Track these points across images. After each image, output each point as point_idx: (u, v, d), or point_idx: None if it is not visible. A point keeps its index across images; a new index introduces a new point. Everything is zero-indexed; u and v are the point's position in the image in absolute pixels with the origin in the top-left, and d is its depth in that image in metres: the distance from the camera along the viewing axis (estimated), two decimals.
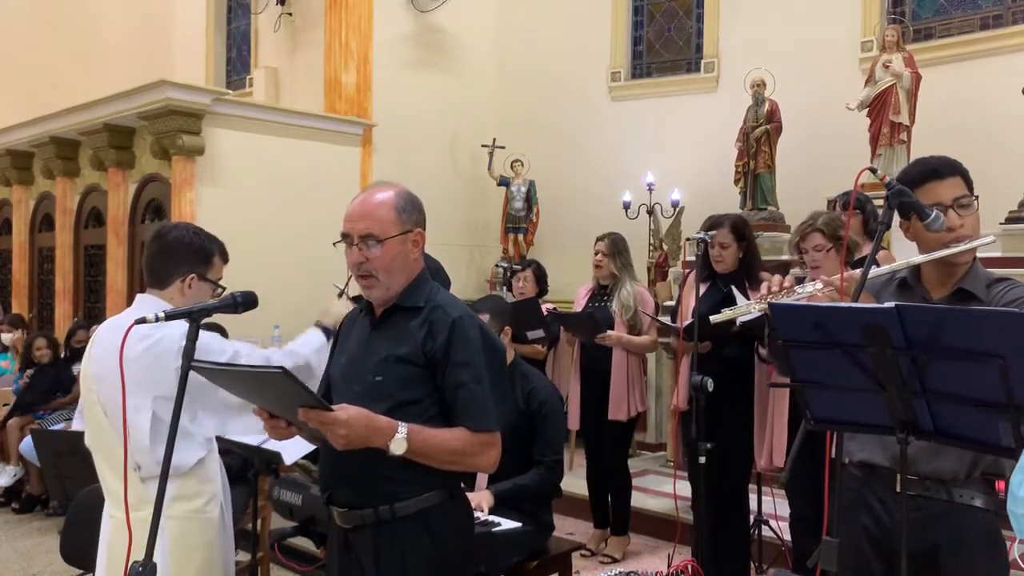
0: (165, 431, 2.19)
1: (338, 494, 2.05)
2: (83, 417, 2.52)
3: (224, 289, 2.48)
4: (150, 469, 2.24)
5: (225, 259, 2.52)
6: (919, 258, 2.04)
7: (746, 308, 2.36)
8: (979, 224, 2.05)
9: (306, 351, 2.56)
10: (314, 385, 2.24)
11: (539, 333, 4.96)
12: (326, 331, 2.66)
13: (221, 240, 2.56)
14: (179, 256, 2.41)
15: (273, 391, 1.83)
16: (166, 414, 2.16)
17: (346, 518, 2.04)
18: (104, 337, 2.40)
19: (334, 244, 2.09)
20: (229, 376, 1.95)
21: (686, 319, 3.99)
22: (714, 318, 2.46)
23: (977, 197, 2.05)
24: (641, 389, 4.68)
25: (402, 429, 1.87)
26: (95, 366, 2.39)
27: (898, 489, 1.97)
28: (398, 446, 1.86)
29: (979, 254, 2.08)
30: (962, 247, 1.97)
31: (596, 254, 4.70)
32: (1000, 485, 2.06)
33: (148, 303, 2.37)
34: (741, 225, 4.02)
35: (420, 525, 1.98)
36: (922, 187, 2.03)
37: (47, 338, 6.62)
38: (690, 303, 4.03)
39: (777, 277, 2.29)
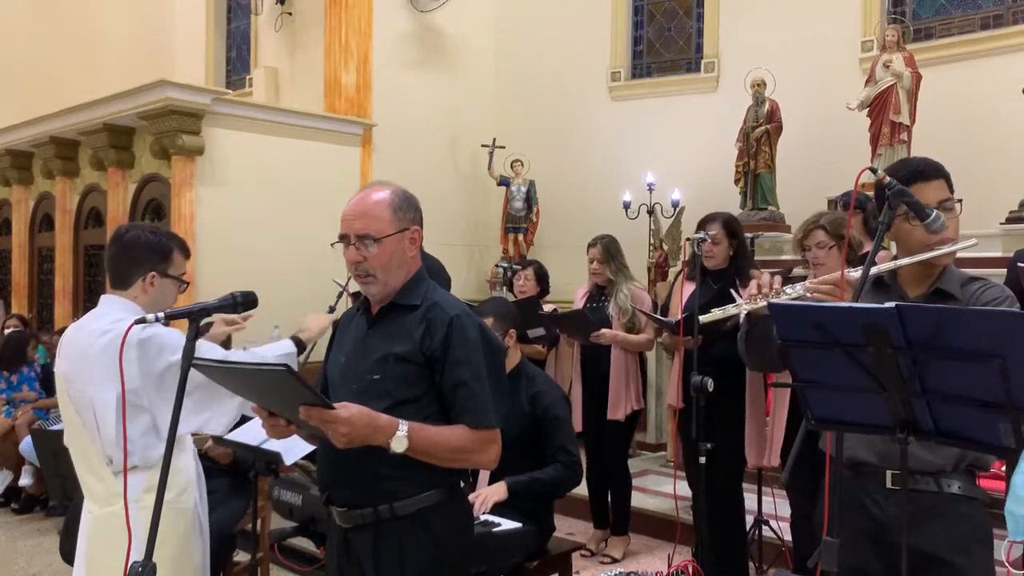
0: (140, 423, 2.22)
1: (337, 494, 2.05)
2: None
3: (187, 284, 2.54)
4: (120, 463, 2.27)
5: (186, 255, 2.55)
6: (906, 260, 2.08)
7: (736, 308, 2.37)
8: (959, 227, 2.09)
9: (270, 355, 2.62)
10: None
11: (539, 331, 4.96)
12: (299, 344, 2.74)
13: (182, 238, 2.61)
14: (138, 256, 2.44)
15: (274, 389, 1.83)
16: (138, 405, 2.24)
17: (345, 518, 2.04)
18: (71, 337, 2.43)
19: (332, 245, 2.09)
20: (230, 374, 1.94)
21: (677, 315, 4.01)
22: (704, 318, 2.49)
23: (960, 201, 2.08)
24: (637, 388, 4.67)
25: (403, 427, 1.87)
26: (65, 365, 2.43)
27: (888, 485, 2.00)
28: (399, 444, 1.86)
29: (979, 254, 2.10)
30: (946, 249, 2.00)
31: (591, 261, 4.71)
32: (982, 480, 2.11)
33: (113, 304, 2.42)
34: (732, 223, 4.07)
35: (419, 524, 1.98)
36: (909, 188, 2.04)
37: (18, 316, 6.70)
38: (679, 302, 4.06)
39: (766, 277, 2.29)
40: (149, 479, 2.28)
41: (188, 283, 2.55)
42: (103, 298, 2.49)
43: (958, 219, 2.08)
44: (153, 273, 2.43)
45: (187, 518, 2.40)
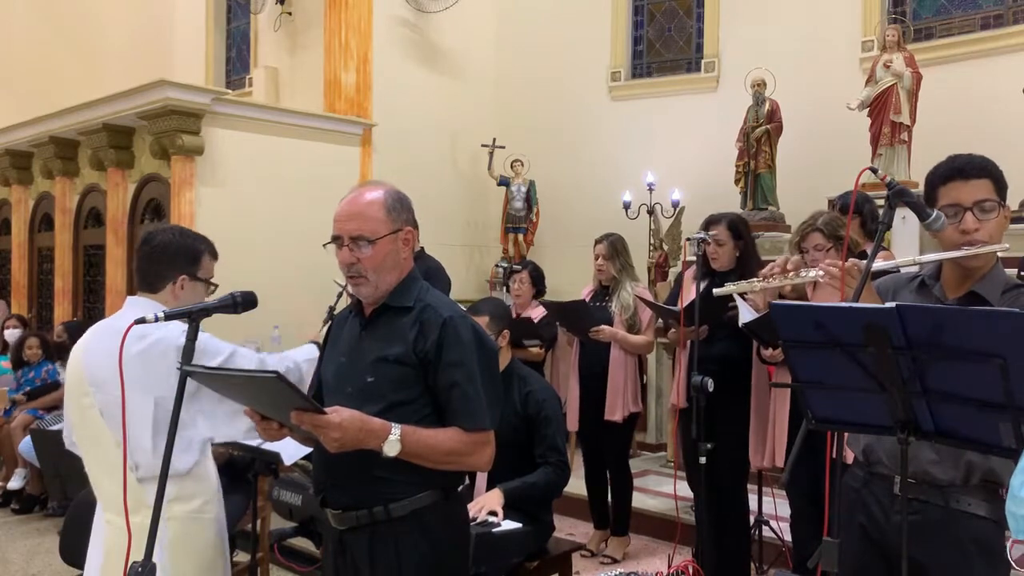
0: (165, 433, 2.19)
1: (332, 496, 2.05)
2: (67, 417, 2.47)
3: (216, 286, 2.48)
4: (149, 470, 2.22)
5: (214, 256, 2.51)
6: (925, 256, 2.04)
7: (748, 285, 2.38)
8: (1001, 231, 2.00)
9: (299, 358, 2.59)
10: (304, 388, 2.24)
11: (534, 342, 5.01)
12: (319, 346, 2.67)
13: (210, 239, 2.55)
14: (168, 260, 2.40)
15: (266, 394, 1.82)
16: (167, 416, 2.11)
17: (341, 520, 2.03)
18: (99, 342, 2.36)
19: (324, 246, 2.08)
20: (222, 379, 1.93)
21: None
22: (718, 291, 2.52)
23: (1002, 204, 1.99)
24: (635, 390, 4.64)
25: (395, 430, 1.86)
26: (92, 371, 2.35)
27: (895, 491, 1.96)
28: (391, 447, 1.86)
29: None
30: (967, 252, 1.94)
31: (596, 258, 4.71)
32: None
33: (140, 305, 2.35)
34: (739, 224, 4.04)
35: (415, 525, 1.98)
36: (945, 185, 2.00)
37: (39, 337, 6.59)
38: (687, 299, 4.04)
39: (782, 258, 2.29)
40: (176, 489, 2.24)
41: (217, 285, 2.49)
42: (130, 299, 2.43)
43: (1000, 222, 1.98)
44: (183, 276, 2.40)
45: (215, 527, 2.38)
